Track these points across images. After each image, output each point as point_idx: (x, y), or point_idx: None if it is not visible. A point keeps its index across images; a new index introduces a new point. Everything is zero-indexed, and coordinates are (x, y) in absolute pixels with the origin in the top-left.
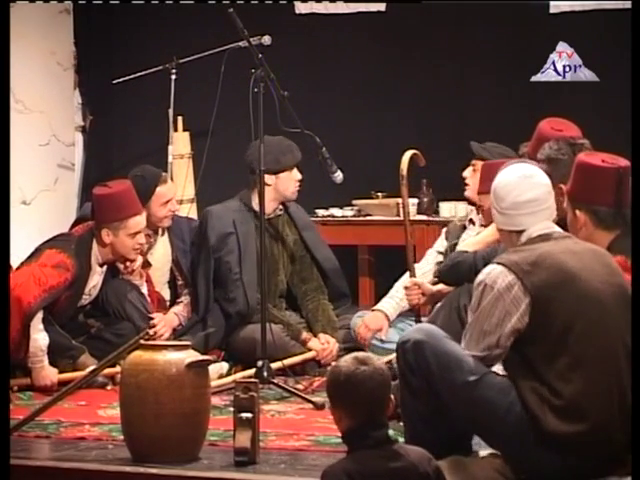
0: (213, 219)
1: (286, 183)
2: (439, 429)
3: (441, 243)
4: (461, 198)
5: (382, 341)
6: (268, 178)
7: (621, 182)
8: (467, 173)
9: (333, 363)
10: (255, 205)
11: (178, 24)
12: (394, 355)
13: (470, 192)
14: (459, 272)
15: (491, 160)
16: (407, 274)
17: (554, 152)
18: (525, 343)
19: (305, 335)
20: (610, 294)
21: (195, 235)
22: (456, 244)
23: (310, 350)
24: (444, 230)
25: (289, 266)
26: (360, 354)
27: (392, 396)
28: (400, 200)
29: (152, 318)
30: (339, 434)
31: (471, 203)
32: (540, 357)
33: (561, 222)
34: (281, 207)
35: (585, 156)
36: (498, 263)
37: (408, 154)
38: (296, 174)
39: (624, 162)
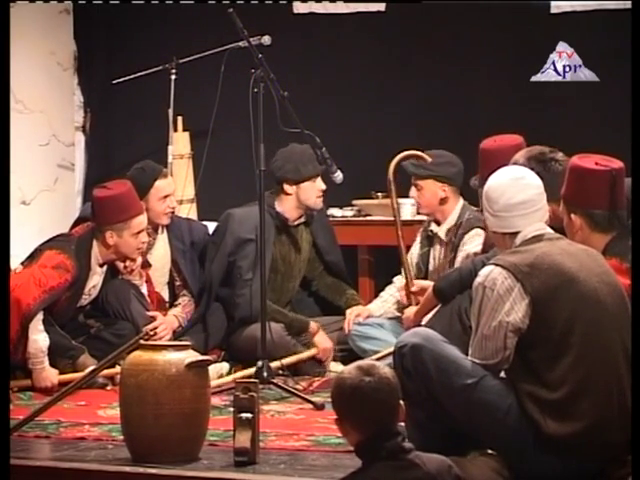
0: (234, 223)
1: (308, 193)
2: (434, 435)
3: (415, 249)
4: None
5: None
6: (288, 187)
7: (615, 184)
8: (413, 193)
9: (339, 370)
10: (278, 210)
11: (178, 24)
12: (384, 352)
13: (424, 209)
14: (463, 286)
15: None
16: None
17: None
18: (526, 346)
19: (313, 326)
20: (607, 294)
21: (214, 234)
22: (427, 253)
23: (314, 346)
24: (419, 235)
25: (303, 273)
26: (364, 363)
27: (401, 402)
28: (400, 199)
29: (153, 318)
30: (339, 434)
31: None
32: (541, 360)
33: (557, 226)
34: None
35: (579, 159)
36: (496, 265)
37: (396, 160)
38: (320, 184)
39: (617, 164)
